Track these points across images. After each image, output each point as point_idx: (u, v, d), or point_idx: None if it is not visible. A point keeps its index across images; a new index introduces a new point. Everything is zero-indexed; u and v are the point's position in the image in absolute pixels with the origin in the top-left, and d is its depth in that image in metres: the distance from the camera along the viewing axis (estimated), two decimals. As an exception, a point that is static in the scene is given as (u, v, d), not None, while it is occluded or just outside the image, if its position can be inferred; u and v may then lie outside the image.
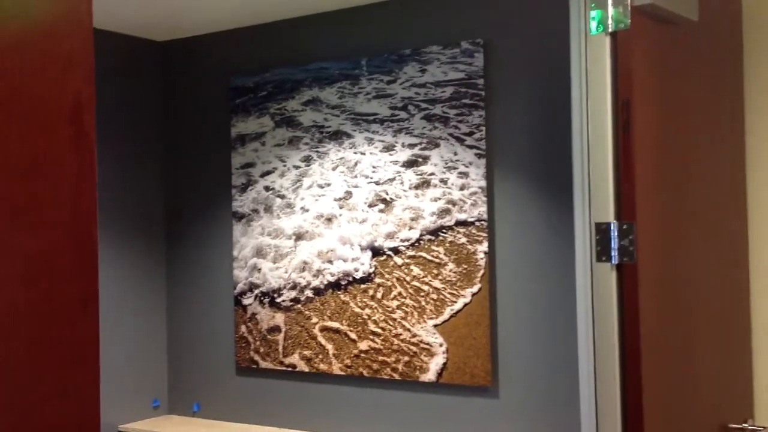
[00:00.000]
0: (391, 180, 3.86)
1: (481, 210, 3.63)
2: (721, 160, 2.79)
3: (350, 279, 3.96)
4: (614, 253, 2.08)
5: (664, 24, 2.35)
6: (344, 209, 3.99)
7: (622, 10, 2.10)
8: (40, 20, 1.13)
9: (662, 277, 2.31)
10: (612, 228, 2.09)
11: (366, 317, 3.91)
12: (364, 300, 3.92)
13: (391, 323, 3.84)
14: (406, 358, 3.79)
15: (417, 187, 3.79)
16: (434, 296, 3.73)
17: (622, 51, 2.12)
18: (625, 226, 2.08)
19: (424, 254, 3.77)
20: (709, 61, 2.71)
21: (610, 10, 2.11)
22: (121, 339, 4.36)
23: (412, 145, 3.81)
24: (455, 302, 3.69)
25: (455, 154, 3.70)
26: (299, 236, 4.12)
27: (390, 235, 3.86)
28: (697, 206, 2.54)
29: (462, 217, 3.68)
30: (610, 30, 2.12)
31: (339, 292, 3.99)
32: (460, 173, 3.69)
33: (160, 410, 4.53)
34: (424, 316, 3.75)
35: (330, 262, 4.02)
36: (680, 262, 2.43)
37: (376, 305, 3.89)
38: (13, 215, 1.11)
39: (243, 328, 4.29)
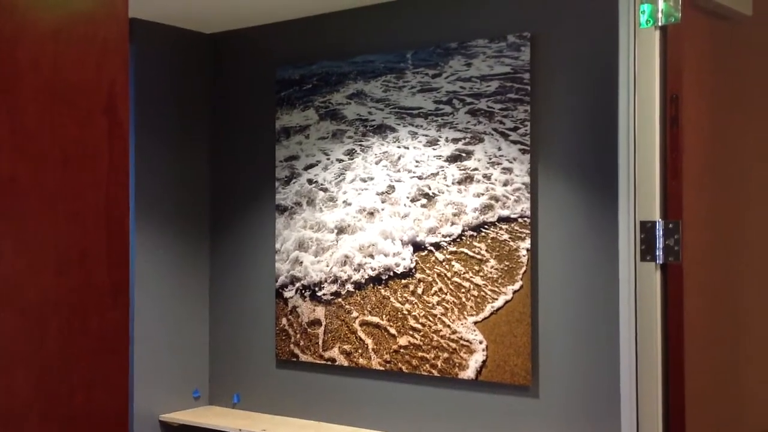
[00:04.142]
0: (434, 175, 3.83)
1: (524, 206, 3.58)
2: (773, 159, 2.71)
3: (391, 274, 3.94)
4: (659, 253, 2.03)
5: (716, 18, 2.28)
6: (386, 203, 3.97)
7: (673, 4, 2.04)
8: (75, 6, 1.12)
9: (709, 279, 2.24)
10: (657, 226, 2.03)
11: (406, 312, 3.89)
12: (405, 295, 3.89)
13: (431, 319, 3.81)
14: (446, 355, 3.76)
15: (460, 182, 3.76)
16: (475, 293, 3.70)
17: (672, 45, 2.06)
18: (671, 225, 2.02)
19: (465, 250, 3.73)
20: (762, 58, 2.63)
21: (661, 4, 2.06)
22: (163, 329, 4.39)
23: (455, 140, 3.77)
24: (496, 299, 3.64)
25: (499, 149, 3.66)
26: (341, 230, 4.11)
27: (432, 231, 3.82)
28: (747, 206, 2.47)
29: (505, 213, 3.63)
30: (660, 24, 2.07)
31: (380, 287, 3.97)
32: (503, 169, 3.64)
33: (201, 401, 4.57)
34: (465, 312, 3.72)
35: (371, 256, 4.00)
36: (728, 264, 2.37)
37: (416, 301, 3.86)
38: (47, 204, 1.11)
39: (284, 321, 4.29)
